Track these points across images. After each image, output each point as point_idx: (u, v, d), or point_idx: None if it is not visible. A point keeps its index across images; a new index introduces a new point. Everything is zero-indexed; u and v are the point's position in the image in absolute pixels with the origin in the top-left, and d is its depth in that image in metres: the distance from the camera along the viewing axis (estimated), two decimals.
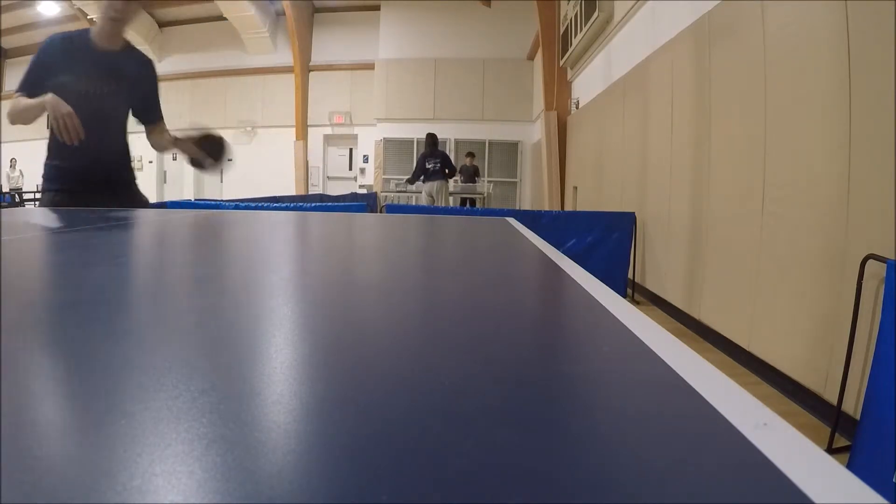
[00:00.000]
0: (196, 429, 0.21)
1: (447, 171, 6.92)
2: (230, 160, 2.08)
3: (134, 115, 1.98)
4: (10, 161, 10.97)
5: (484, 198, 7.89)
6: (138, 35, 11.69)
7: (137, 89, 1.94)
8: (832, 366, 1.93)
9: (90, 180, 1.85)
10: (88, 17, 11.00)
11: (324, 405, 0.25)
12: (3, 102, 1.73)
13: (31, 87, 1.73)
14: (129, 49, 1.90)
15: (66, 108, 1.62)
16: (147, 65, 1.97)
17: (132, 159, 2.04)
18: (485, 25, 10.61)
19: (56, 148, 1.83)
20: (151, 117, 2.01)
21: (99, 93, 1.82)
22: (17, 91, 1.75)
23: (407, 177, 7.38)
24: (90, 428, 0.21)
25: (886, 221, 1.68)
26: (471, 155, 8.70)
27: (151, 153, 13.18)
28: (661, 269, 3.82)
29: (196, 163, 2.01)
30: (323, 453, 0.20)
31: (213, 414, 0.23)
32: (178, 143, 2.00)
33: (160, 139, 2.07)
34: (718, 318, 2.91)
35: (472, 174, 8.51)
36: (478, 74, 10.75)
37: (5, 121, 1.78)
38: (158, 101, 2.02)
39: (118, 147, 1.95)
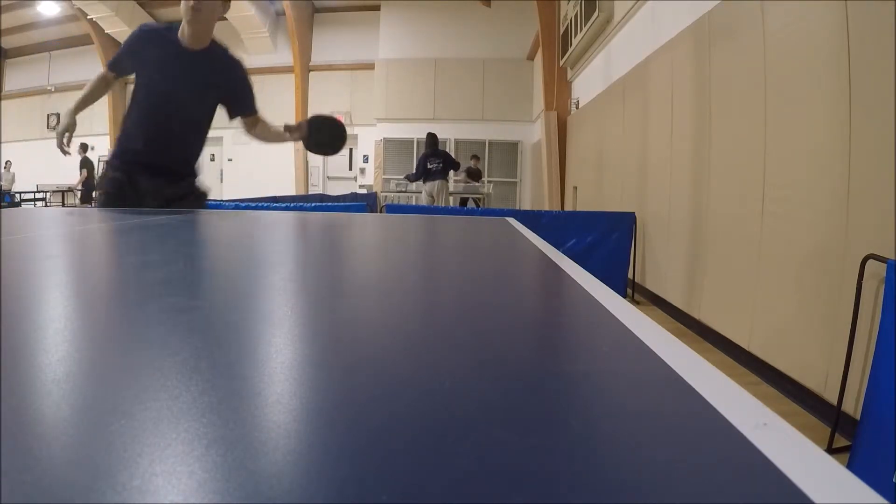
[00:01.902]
0: (196, 429, 0.21)
1: (452, 166, 6.94)
2: (342, 141, 2.11)
3: (227, 111, 2.02)
4: (5, 163, 10.99)
5: (484, 198, 7.90)
6: None
7: (223, 90, 1.97)
8: (832, 366, 1.93)
9: (153, 171, 1.90)
10: (88, 18, 11.01)
11: (324, 405, 0.25)
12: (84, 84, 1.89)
13: (114, 64, 1.90)
14: (216, 49, 1.91)
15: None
16: (235, 66, 1.98)
17: (199, 157, 2.06)
18: (485, 25, 10.60)
19: (128, 135, 1.89)
20: (244, 111, 2.04)
21: (179, 94, 1.86)
22: (108, 67, 1.89)
23: (405, 176, 7.38)
24: (90, 428, 0.21)
25: (886, 221, 1.68)
26: (475, 158, 8.89)
27: None
28: (661, 269, 3.82)
29: (312, 146, 2.06)
30: (323, 453, 0.20)
31: (213, 414, 0.23)
32: (288, 129, 2.05)
33: (260, 130, 2.12)
34: (718, 318, 2.91)
35: (475, 177, 8.60)
36: (478, 74, 10.74)
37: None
38: (250, 96, 2.04)
39: (190, 146, 2.00)
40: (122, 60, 1.89)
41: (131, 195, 1.85)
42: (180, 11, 1.79)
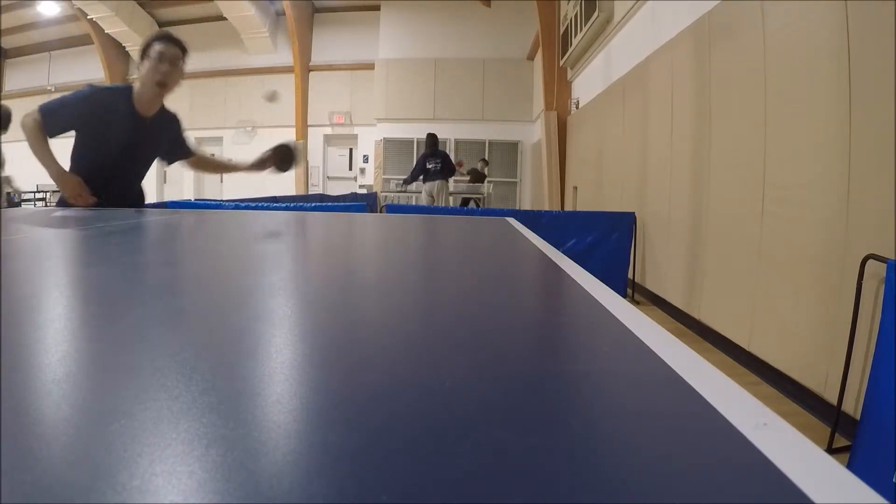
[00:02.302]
0: (196, 429, 0.21)
1: (448, 171, 6.95)
2: (298, 161, 2.15)
3: (166, 160, 2.07)
4: None
5: (484, 198, 7.90)
6: (138, 35, 11.69)
7: (166, 147, 2.01)
8: (832, 366, 1.93)
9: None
10: (88, 18, 11.01)
11: (324, 405, 0.25)
12: (25, 120, 1.72)
13: (55, 127, 1.75)
14: (163, 111, 1.93)
15: (73, 187, 1.74)
16: (175, 122, 2.01)
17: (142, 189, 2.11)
18: (485, 25, 10.60)
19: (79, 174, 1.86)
20: (183, 156, 2.09)
21: (129, 155, 1.87)
22: (41, 117, 1.72)
23: (404, 177, 7.38)
24: (90, 428, 0.21)
25: (886, 221, 1.68)
26: (483, 161, 9.12)
27: None
28: (661, 269, 3.82)
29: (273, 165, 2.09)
30: (323, 453, 0.20)
31: (213, 414, 0.23)
32: (256, 165, 2.08)
33: (204, 166, 2.21)
34: (718, 318, 2.91)
35: (479, 179, 8.66)
36: (478, 74, 10.74)
37: (19, 133, 1.77)
38: (185, 143, 2.08)
39: (135, 190, 2.04)
40: (62, 119, 1.76)
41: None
42: (143, 75, 1.78)
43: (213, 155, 2.20)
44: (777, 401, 2.19)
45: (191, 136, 2.12)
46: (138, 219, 1.31)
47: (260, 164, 2.06)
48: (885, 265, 1.63)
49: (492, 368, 0.32)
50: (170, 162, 2.08)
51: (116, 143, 1.81)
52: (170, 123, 1.98)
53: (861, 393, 1.70)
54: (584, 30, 5.68)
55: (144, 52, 1.80)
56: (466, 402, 0.26)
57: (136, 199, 2.04)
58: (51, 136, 1.74)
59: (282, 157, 2.06)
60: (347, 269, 0.76)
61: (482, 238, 1.16)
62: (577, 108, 6.98)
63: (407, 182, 7.07)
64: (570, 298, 0.58)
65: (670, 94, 3.63)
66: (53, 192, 11.03)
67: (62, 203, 1.83)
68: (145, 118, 1.84)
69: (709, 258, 3.02)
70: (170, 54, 1.79)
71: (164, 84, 1.79)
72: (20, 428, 0.21)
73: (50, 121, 1.73)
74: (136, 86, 1.82)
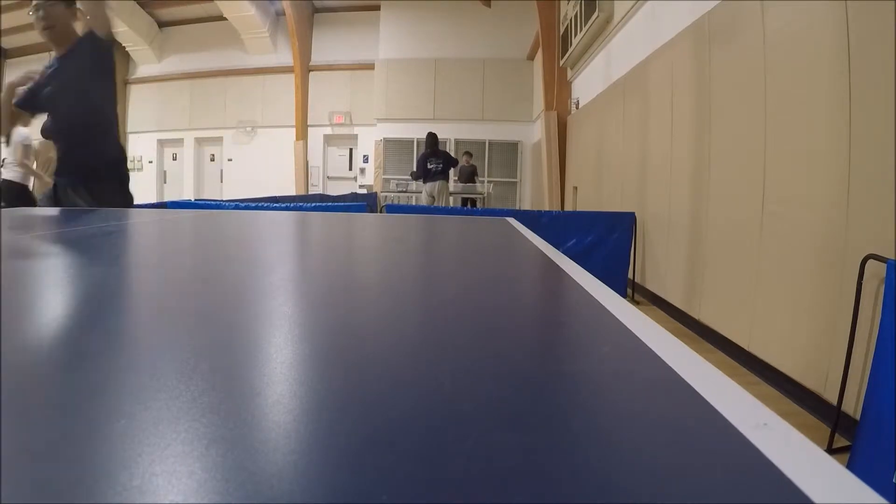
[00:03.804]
0: (196, 429, 0.21)
1: (452, 164, 6.92)
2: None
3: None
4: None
5: (484, 198, 7.89)
6: (138, 35, 11.69)
7: (87, 73, 2.03)
8: (832, 366, 1.93)
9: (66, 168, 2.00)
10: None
11: (324, 405, 0.25)
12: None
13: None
14: (76, 44, 1.99)
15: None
16: (84, 42, 2.03)
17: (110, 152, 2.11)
18: (485, 25, 10.60)
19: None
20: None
21: (56, 103, 1.98)
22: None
23: (405, 177, 7.36)
24: (90, 428, 0.21)
25: (886, 221, 1.68)
26: (468, 154, 8.66)
27: (151, 153, 13.00)
28: (661, 269, 3.82)
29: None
30: (323, 453, 0.20)
31: (213, 414, 0.23)
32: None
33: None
34: (718, 318, 2.91)
35: (470, 174, 8.48)
36: (478, 74, 10.74)
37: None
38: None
39: (89, 144, 2.04)
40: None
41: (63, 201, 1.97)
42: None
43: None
44: (777, 401, 2.19)
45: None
46: (137, 219, 1.31)
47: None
48: (885, 265, 1.63)
49: (492, 368, 0.32)
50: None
51: (45, 95, 1.98)
52: (81, 48, 2.02)
53: (861, 393, 1.70)
54: (584, 30, 5.68)
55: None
56: (466, 403, 0.26)
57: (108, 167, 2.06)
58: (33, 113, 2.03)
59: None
60: (347, 269, 0.76)
61: (482, 238, 1.16)
62: (577, 108, 6.98)
63: (415, 177, 7.04)
64: (570, 298, 0.58)
65: (670, 94, 3.63)
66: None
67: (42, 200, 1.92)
68: (59, 57, 1.99)
69: (709, 258, 3.02)
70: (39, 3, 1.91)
71: (45, 28, 1.92)
72: (20, 428, 0.21)
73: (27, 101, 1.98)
74: None
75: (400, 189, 7.95)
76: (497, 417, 0.24)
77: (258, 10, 10.96)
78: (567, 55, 6.76)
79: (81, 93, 1.99)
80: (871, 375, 1.61)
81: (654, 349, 0.34)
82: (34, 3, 1.89)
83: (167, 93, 12.02)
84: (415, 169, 7.01)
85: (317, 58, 11.89)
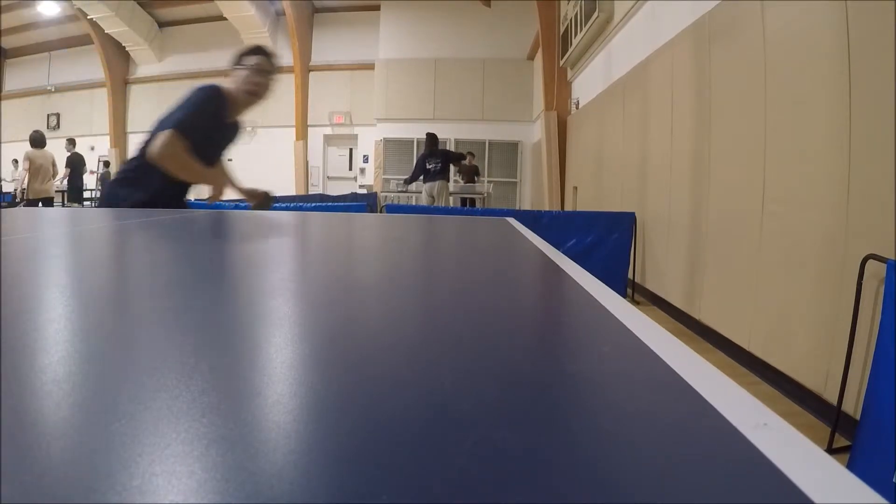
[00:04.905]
0: (196, 429, 0.21)
1: (453, 161, 6.92)
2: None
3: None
4: (13, 161, 10.86)
5: (484, 198, 7.89)
6: (138, 35, 11.69)
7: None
8: (832, 366, 1.93)
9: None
10: (88, 18, 11.00)
11: (324, 405, 0.25)
12: (166, 148, 1.76)
13: (189, 130, 1.75)
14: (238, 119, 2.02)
15: (262, 196, 1.96)
16: (238, 131, 2.09)
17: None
18: (485, 25, 10.60)
19: (149, 177, 1.82)
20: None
21: (212, 156, 1.96)
22: (179, 134, 1.71)
23: (405, 177, 7.35)
24: (90, 428, 0.21)
25: (886, 221, 1.68)
26: (470, 154, 8.70)
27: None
28: (661, 269, 3.82)
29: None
30: (323, 453, 0.20)
31: (213, 414, 0.23)
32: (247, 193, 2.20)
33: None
34: (718, 318, 2.91)
35: (471, 174, 8.49)
36: (478, 74, 10.74)
37: (151, 156, 1.72)
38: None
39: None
40: (195, 120, 1.79)
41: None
42: (242, 85, 1.84)
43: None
44: (777, 401, 2.19)
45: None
46: (137, 219, 1.31)
47: (246, 192, 2.15)
48: (885, 265, 1.63)
49: (492, 368, 0.32)
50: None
51: (212, 145, 1.91)
52: (237, 131, 2.07)
53: (861, 393, 1.70)
54: (584, 30, 5.68)
55: (240, 61, 1.88)
56: (466, 402, 0.26)
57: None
58: (185, 137, 1.76)
59: (262, 201, 2.18)
60: (347, 270, 0.76)
61: (482, 238, 1.16)
62: (577, 108, 6.98)
63: (408, 182, 7.05)
64: (570, 298, 0.58)
65: (670, 94, 3.63)
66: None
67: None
68: (229, 122, 1.94)
69: (709, 258, 3.02)
70: (266, 67, 1.88)
71: (256, 94, 1.88)
72: (20, 428, 0.21)
73: (183, 125, 1.75)
74: (228, 88, 1.87)
75: (400, 189, 7.94)
76: (497, 417, 0.24)
77: (258, 10, 10.96)
78: (567, 55, 6.76)
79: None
80: (871, 375, 1.61)
81: (654, 349, 0.34)
82: (266, 67, 1.88)
83: (167, 93, 12.01)
84: (413, 171, 7.00)
85: (317, 58, 11.89)
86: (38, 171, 6.54)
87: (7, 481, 0.17)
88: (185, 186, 1.94)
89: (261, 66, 1.87)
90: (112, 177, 2.00)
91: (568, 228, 4.05)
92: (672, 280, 3.60)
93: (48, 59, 13.03)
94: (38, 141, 6.56)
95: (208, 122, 1.82)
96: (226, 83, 1.87)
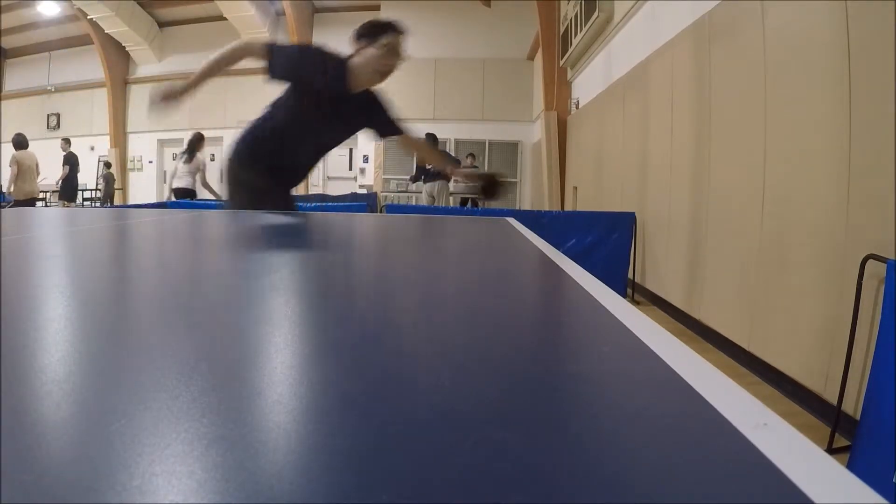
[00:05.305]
0: (196, 429, 0.21)
1: (452, 163, 6.93)
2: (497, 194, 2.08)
3: (376, 133, 2.01)
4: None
5: (483, 199, 7.87)
6: (138, 35, 11.69)
7: (363, 125, 1.98)
8: (832, 366, 1.93)
9: (275, 179, 1.90)
10: (88, 18, 10.99)
11: (324, 405, 0.25)
12: (251, 42, 1.72)
13: (278, 68, 1.71)
14: (367, 91, 1.90)
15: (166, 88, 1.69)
16: (376, 102, 1.96)
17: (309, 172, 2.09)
18: (485, 25, 10.59)
19: (262, 144, 1.85)
20: (392, 133, 2.02)
21: (321, 127, 1.86)
22: (267, 49, 1.68)
23: (405, 177, 7.37)
24: (90, 428, 0.21)
25: (886, 221, 1.68)
26: (471, 156, 8.73)
27: (151, 153, 13.00)
28: (661, 269, 3.82)
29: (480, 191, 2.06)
30: (323, 453, 0.20)
31: (213, 414, 0.23)
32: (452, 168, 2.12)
33: (412, 146, 2.15)
34: (718, 318, 2.91)
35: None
36: (478, 74, 10.74)
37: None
38: (394, 121, 2.02)
39: (309, 166, 2.04)
40: (286, 67, 1.75)
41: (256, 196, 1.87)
42: (370, 60, 1.76)
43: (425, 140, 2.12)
44: (777, 401, 2.19)
45: (399, 114, 2.05)
46: (136, 219, 1.31)
47: (468, 176, 2.02)
48: (885, 265, 1.63)
49: (492, 368, 0.32)
50: (382, 136, 2.03)
51: (318, 111, 1.79)
52: (371, 103, 1.94)
53: (861, 393, 1.70)
54: (584, 30, 5.68)
55: (373, 36, 1.78)
56: (466, 402, 0.26)
57: (297, 183, 2.02)
58: (272, 77, 1.72)
59: (487, 187, 2.02)
60: (348, 270, 0.76)
61: (482, 238, 1.16)
62: (577, 108, 6.98)
63: (413, 180, 7.06)
64: (570, 298, 0.58)
65: (670, 94, 3.63)
66: (53, 191, 11.02)
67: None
68: (351, 95, 1.83)
69: (709, 258, 3.02)
70: (400, 48, 1.81)
71: (386, 74, 1.81)
72: (20, 428, 0.21)
73: (276, 60, 1.70)
74: (355, 62, 1.79)
75: (400, 189, 7.94)
76: (497, 417, 0.24)
77: (258, 10, 10.96)
78: (567, 55, 6.76)
79: (336, 142, 2.03)
80: (871, 375, 1.61)
81: (654, 349, 0.34)
82: (400, 47, 1.81)
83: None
84: (415, 171, 7.01)
85: None
86: (26, 172, 6.62)
87: (7, 481, 0.17)
88: (298, 173, 1.90)
89: (395, 46, 1.80)
90: (238, 142, 1.92)
91: (568, 228, 4.05)
92: (672, 280, 3.60)
93: (48, 59, 13.02)
94: (22, 143, 6.63)
95: (307, 76, 1.76)
96: (354, 59, 1.79)
